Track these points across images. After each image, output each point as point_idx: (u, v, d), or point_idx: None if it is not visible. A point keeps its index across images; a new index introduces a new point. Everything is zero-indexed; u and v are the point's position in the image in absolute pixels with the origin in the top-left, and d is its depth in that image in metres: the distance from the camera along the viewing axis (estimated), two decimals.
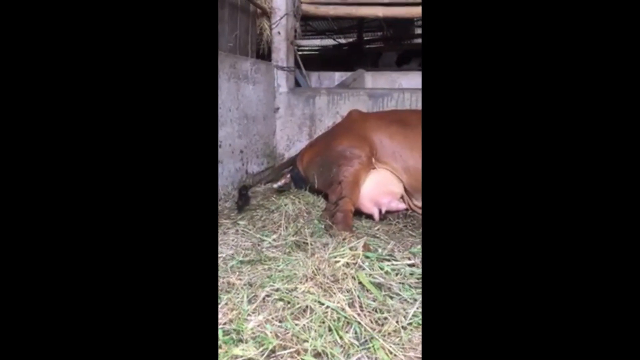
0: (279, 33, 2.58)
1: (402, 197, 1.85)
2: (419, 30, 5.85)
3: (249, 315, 0.96)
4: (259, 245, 1.42)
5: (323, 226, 1.55)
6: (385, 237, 1.53)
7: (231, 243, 1.44)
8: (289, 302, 0.99)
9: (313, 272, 1.07)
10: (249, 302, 1.01)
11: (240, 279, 1.15)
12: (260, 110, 2.46)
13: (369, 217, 1.77)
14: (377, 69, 4.27)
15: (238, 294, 1.05)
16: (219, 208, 1.91)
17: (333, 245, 1.23)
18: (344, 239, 1.27)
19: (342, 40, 5.27)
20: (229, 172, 2.15)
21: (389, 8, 2.64)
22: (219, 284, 1.12)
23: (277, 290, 1.03)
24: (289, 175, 2.22)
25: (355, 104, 2.49)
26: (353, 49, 4.86)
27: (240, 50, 2.42)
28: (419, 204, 1.85)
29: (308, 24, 5.32)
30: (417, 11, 2.62)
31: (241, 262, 1.26)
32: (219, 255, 1.32)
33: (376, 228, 1.67)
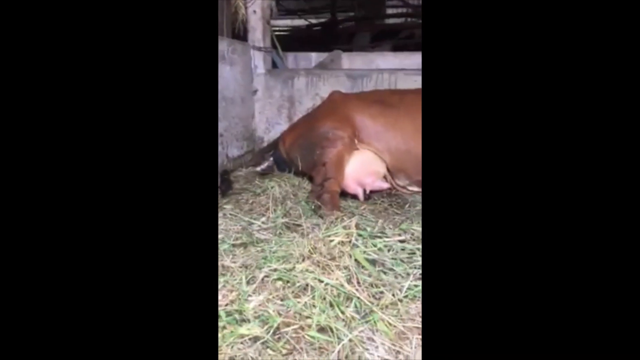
0: (254, 12, 2.51)
1: (384, 177, 1.89)
2: (390, 10, 5.84)
3: (249, 295, 0.97)
4: (248, 228, 1.42)
5: (313, 207, 1.57)
6: (372, 216, 1.57)
7: (220, 227, 1.43)
8: (288, 281, 1.01)
9: (309, 251, 1.09)
10: (248, 283, 1.02)
11: (234, 262, 1.15)
12: (238, 92, 2.41)
13: (354, 197, 1.80)
14: (353, 49, 4.25)
15: (235, 276, 1.06)
16: None
17: (326, 225, 1.25)
18: (336, 219, 1.29)
19: (314, 21, 5.18)
20: None
21: None
22: None
23: (275, 270, 1.04)
24: (271, 158, 2.21)
25: (334, 85, 2.48)
26: (326, 30, 4.80)
27: None
28: (401, 182, 1.90)
29: (279, 3, 5.18)
30: None
31: (233, 245, 1.26)
32: None
33: (362, 208, 1.71)
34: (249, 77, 2.54)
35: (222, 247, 1.25)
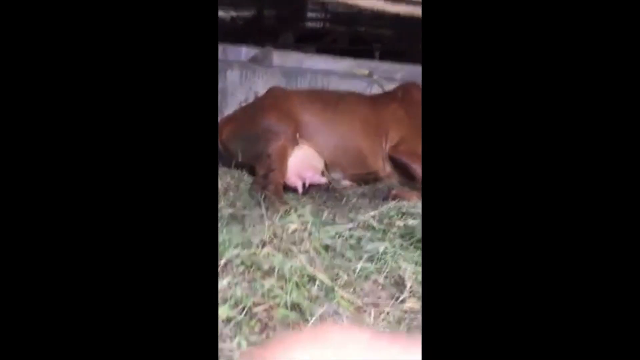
0: None
1: (322, 172, 1.98)
2: (310, 14, 6.02)
3: None
4: None
5: (261, 197, 1.58)
6: (314, 208, 1.65)
7: None
8: (251, 266, 1.03)
9: (269, 237, 1.12)
10: None
11: None
12: None
13: (294, 190, 1.86)
14: (277, 47, 4.30)
15: None
16: None
17: (279, 214, 1.29)
18: (291, 208, 1.34)
19: (234, 14, 5.09)
20: None
21: None
22: None
23: (237, 256, 1.05)
24: None
25: (269, 81, 2.51)
26: (251, 25, 4.75)
27: None
28: (336, 177, 2.02)
29: None
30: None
31: None
32: None
33: (302, 200, 1.78)
34: None
35: None
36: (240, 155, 1.90)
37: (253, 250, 1.08)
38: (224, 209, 1.46)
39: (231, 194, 1.62)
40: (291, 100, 1.99)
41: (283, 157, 1.80)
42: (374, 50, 5.29)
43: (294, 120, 1.91)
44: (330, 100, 2.05)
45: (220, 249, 1.11)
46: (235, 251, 1.07)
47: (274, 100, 2.02)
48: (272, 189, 1.64)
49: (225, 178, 1.73)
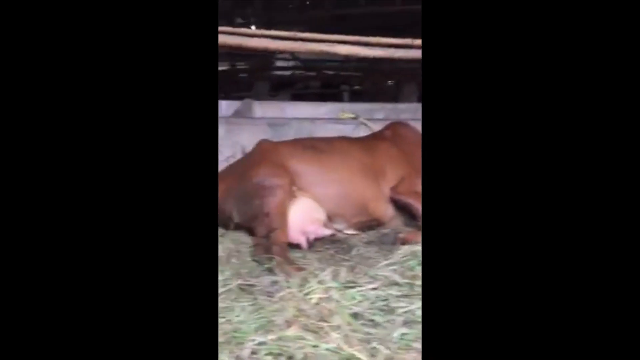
0: None
1: (324, 224, 1.88)
2: (279, 63, 6.16)
3: None
4: None
5: (272, 263, 1.44)
6: (322, 265, 1.53)
7: None
8: (279, 354, 0.89)
9: (294, 314, 0.99)
10: None
11: None
12: None
13: (296, 246, 1.74)
14: (252, 97, 4.31)
15: None
16: None
17: (298, 282, 1.16)
18: (309, 274, 1.22)
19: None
20: None
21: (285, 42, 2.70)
22: None
23: (263, 344, 0.91)
24: None
25: (255, 134, 2.43)
26: (225, 78, 4.78)
27: None
28: (339, 227, 1.92)
29: None
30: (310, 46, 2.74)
31: None
32: None
33: (308, 258, 1.65)
34: None
35: None
36: (237, 217, 1.77)
37: (278, 333, 0.94)
38: (230, 280, 1.32)
39: (234, 260, 1.48)
40: (282, 152, 1.91)
41: (282, 213, 1.69)
42: (341, 92, 5.43)
43: (288, 172, 1.83)
44: (322, 147, 1.99)
45: (238, 334, 0.97)
46: (260, 338, 0.93)
47: (264, 154, 1.94)
48: (277, 250, 1.51)
49: (225, 243, 1.59)
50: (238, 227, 1.78)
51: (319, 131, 2.54)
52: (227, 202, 1.83)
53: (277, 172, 1.80)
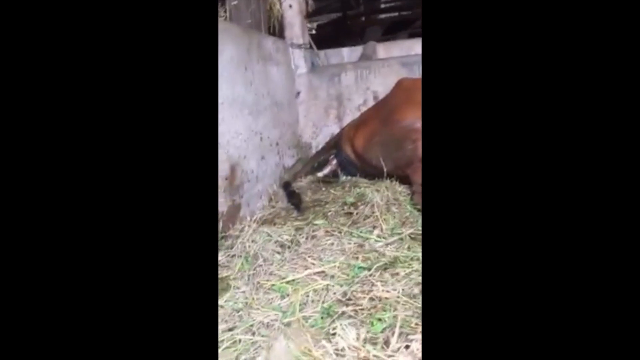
0: (290, 6, 2.28)
1: None
2: (383, 5, 5.70)
3: None
4: (367, 245, 1.17)
5: None
6: None
7: (334, 248, 1.18)
8: None
9: None
10: None
11: (391, 290, 0.91)
12: (284, 95, 2.16)
13: None
14: (385, 38, 4.09)
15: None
16: (276, 210, 1.63)
17: None
18: None
19: (321, 22, 5.02)
20: (271, 169, 1.86)
21: None
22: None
23: None
24: (334, 162, 1.97)
25: (387, 76, 2.25)
26: (337, 27, 4.61)
27: (255, 28, 2.10)
28: None
29: None
30: None
31: (377, 268, 1.01)
32: (334, 264, 1.06)
33: None
34: (291, 78, 2.30)
35: (360, 273, 1.00)
36: (385, 164, 1.66)
37: None
38: (398, 229, 1.22)
39: (394, 210, 1.38)
40: None
41: None
42: None
43: None
44: None
45: None
46: None
47: (406, 94, 1.75)
48: None
49: (382, 191, 1.50)
50: (389, 176, 1.67)
51: None
52: (371, 149, 1.73)
53: None
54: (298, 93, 2.37)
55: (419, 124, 1.58)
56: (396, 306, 0.86)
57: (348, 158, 1.90)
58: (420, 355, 0.71)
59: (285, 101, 2.16)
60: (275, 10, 2.26)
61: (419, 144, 1.53)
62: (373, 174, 1.76)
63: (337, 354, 0.74)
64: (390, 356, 0.72)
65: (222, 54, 1.45)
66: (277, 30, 2.32)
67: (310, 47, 2.54)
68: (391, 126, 1.67)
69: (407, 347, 0.74)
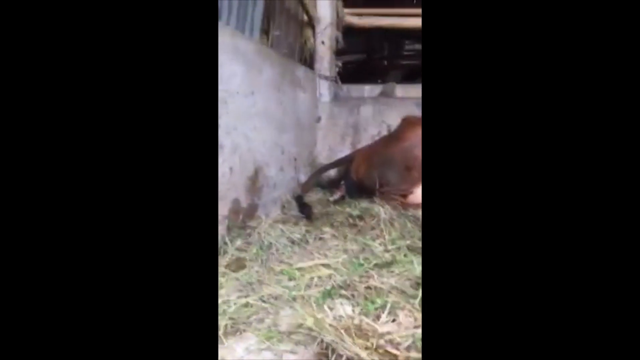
0: (322, 42, 2.56)
1: None
2: (406, 52, 6.05)
3: None
4: (368, 250, 1.32)
5: None
6: None
7: (339, 249, 1.33)
8: None
9: None
10: None
11: (384, 282, 1.05)
12: (307, 118, 2.39)
13: None
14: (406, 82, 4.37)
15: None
16: (287, 217, 1.79)
17: None
18: None
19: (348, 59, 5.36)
20: (287, 181, 2.04)
21: None
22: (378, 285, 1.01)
23: None
24: (343, 187, 2.15)
25: (402, 113, 2.47)
26: (361, 66, 4.93)
27: (290, 56, 2.37)
28: None
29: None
30: None
31: (375, 265, 1.16)
32: (339, 257, 1.20)
33: None
34: (314, 104, 2.54)
35: (360, 268, 1.15)
36: (378, 183, 1.84)
37: None
38: (399, 241, 1.38)
39: (396, 225, 1.53)
40: None
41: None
42: None
43: None
44: None
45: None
46: None
47: (410, 127, 1.97)
48: None
49: (382, 207, 1.67)
50: (389, 198, 1.84)
51: None
52: (369, 173, 1.92)
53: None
54: (319, 118, 2.60)
55: (418, 150, 1.78)
56: (388, 294, 1.00)
57: (354, 183, 2.09)
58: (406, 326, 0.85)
59: (307, 123, 2.39)
60: (309, 44, 2.53)
61: (415, 158, 1.73)
62: (374, 192, 1.94)
63: (335, 319, 0.89)
64: (380, 326, 0.87)
65: (261, 73, 1.68)
66: (308, 61, 2.59)
67: (336, 80, 2.79)
68: (390, 148, 1.88)
69: (393, 320, 0.88)
